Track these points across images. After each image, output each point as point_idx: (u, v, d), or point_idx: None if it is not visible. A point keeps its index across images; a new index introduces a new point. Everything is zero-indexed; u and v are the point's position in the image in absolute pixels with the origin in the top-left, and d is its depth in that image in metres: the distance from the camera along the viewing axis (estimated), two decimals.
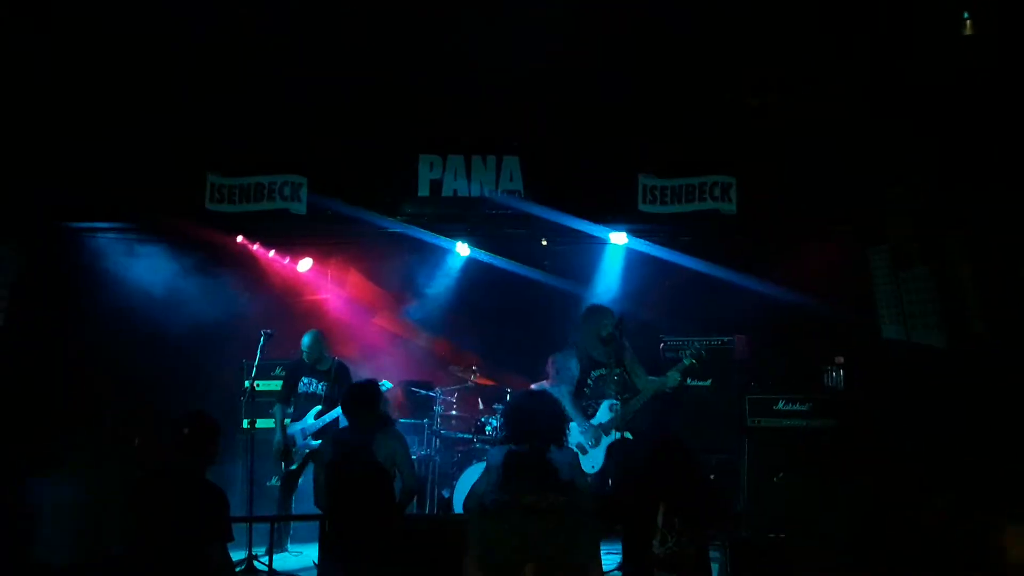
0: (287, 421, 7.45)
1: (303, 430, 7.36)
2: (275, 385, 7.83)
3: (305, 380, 7.53)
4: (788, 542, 5.00)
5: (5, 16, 6.78)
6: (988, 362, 6.51)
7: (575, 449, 6.85)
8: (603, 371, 6.85)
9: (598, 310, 7.11)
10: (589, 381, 6.89)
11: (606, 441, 6.79)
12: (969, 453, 5.98)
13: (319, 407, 7.38)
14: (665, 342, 7.87)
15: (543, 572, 4.05)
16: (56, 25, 6.96)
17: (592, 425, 6.81)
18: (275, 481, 7.76)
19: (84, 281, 8.00)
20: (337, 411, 7.02)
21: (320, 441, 6.78)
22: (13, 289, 7.51)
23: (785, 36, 7.06)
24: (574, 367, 6.92)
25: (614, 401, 6.74)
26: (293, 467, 7.35)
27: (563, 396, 6.92)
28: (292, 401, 7.56)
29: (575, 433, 6.89)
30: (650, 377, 6.87)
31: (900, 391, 6.84)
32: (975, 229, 6.89)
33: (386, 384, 6.98)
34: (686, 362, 6.87)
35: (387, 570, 4.93)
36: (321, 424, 7.30)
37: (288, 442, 7.34)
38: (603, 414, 6.83)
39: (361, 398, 5.48)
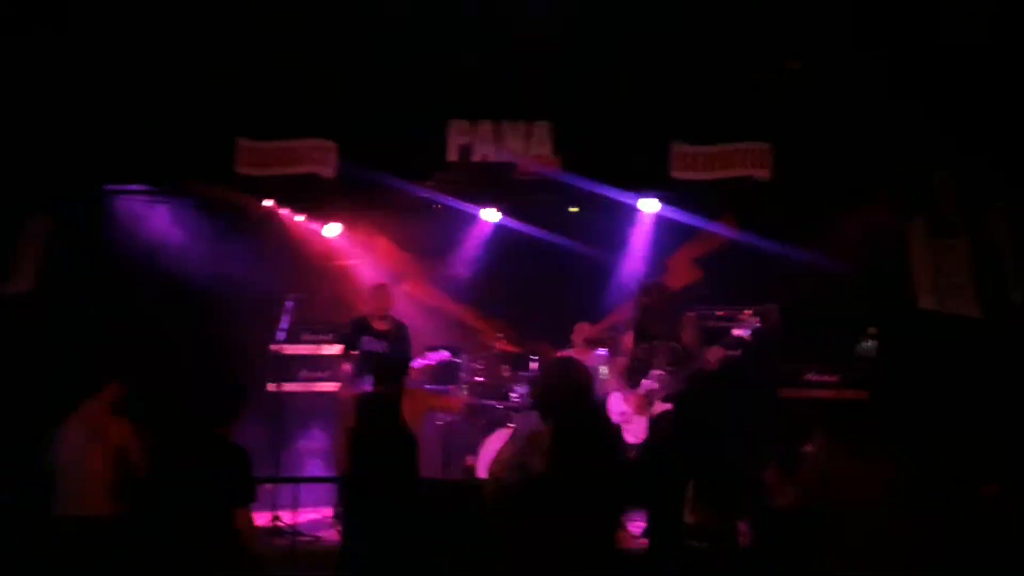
0: None
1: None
2: (303, 349, 7.84)
3: (366, 339, 7.35)
4: (818, 513, 4.93)
5: None
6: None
7: (619, 419, 6.83)
8: (655, 342, 6.79)
9: (650, 283, 7.07)
10: (639, 352, 6.84)
11: (651, 413, 6.73)
12: (1004, 425, 5.87)
13: None
14: (694, 310, 7.78)
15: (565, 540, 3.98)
16: None
17: (637, 395, 6.76)
18: None
19: (114, 244, 8.04)
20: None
21: None
22: (45, 251, 7.57)
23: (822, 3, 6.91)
24: (627, 339, 6.89)
25: (661, 372, 6.69)
26: None
27: (611, 366, 6.92)
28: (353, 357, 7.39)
29: (619, 403, 6.86)
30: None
31: (934, 362, 6.73)
32: (1016, 199, 6.75)
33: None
34: None
35: (410, 535, 4.93)
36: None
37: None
38: (650, 384, 6.76)
39: (391, 362, 5.45)
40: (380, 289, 7.54)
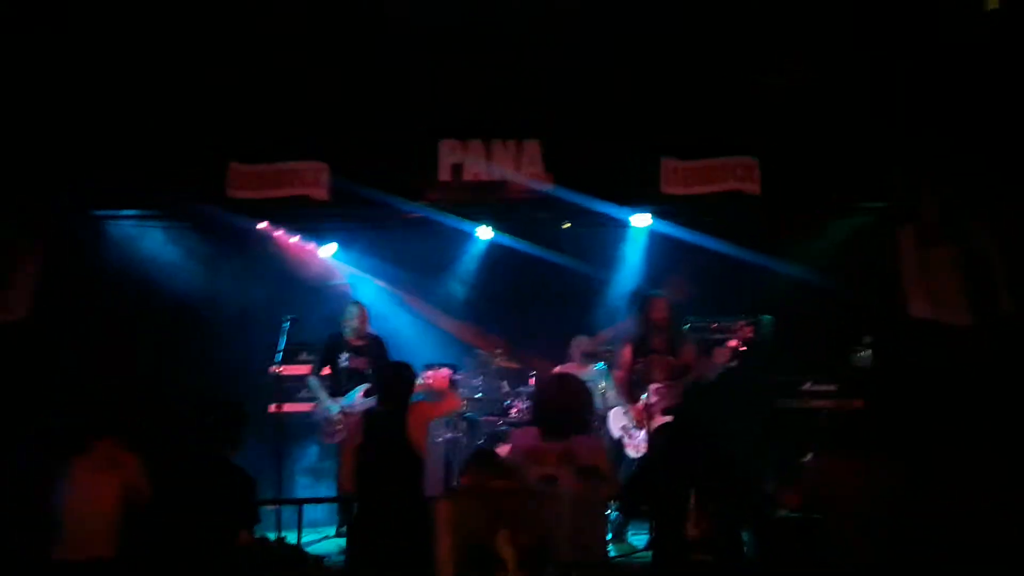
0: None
1: (352, 406, 7.26)
2: (300, 369, 7.85)
3: (344, 355, 7.49)
4: (818, 523, 4.98)
5: (26, 6, 6.80)
6: (1016, 339, 6.46)
7: (621, 433, 6.88)
8: (653, 356, 6.85)
9: (649, 296, 7.14)
10: (638, 366, 6.89)
11: (651, 426, 6.78)
12: (998, 431, 5.94)
13: (366, 384, 7.33)
14: (691, 323, 7.85)
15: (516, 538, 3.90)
16: (76, 13, 6.97)
17: (637, 409, 6.79)
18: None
19: (108, 269, 8.01)
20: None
21: None
22: (38, 279, 7.55)
23: (808, 13, 7.00)
24: (625, 352, 6.95)
25: (660, 386, 6.74)
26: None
27: (611, 379, 6.97)
28: (326, 375, 7.54)
29: (619, 417, 6.91)
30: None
31: (928, 370, 6.80)
32: (1002, 206, 6.84)
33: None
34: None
35: (417, 553, 4.95)
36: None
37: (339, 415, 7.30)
38: (649, 398, 6.81)
39: (395, 380, 5.47)
40: (359, 308, 7.64)
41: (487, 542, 3.17)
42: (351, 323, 7.57)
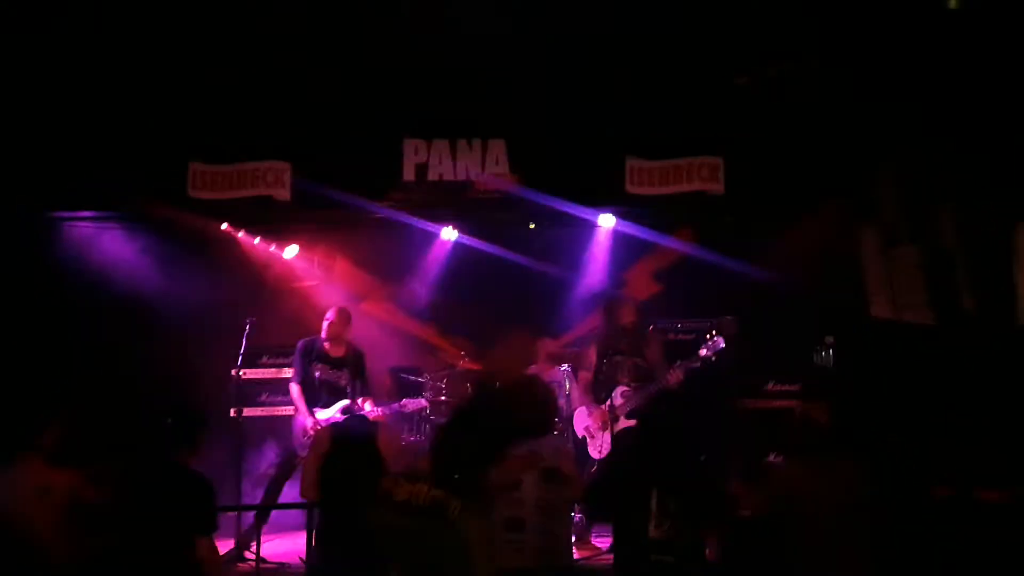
0: None
1: (330, 421, 6.91)
2: (261, 373, 7.75)
3: (321, 367, 7.12)
4: (782, 524, 4.98)
5: None
6: (978, 338, 6.51)
7: (584, 434, 6.85)
8: (619, 357, 6.83)
9: (616, 298, 7.14)
10: (603, 367, 6.87)
11: (615, 428, 6.75)
12: (961, 430, 5.98)
13: (346, 401, 7.07)
14: (654, 324, 7.83)
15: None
16: (35, 13, 6.86)
17: (601, 410, 6.77)
18: None
19: (67, 271, 7.90)
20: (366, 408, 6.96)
21: None
22: None
23: (769, 14, 7.03)
24: (591, 353, 6.95)
25: (625, 388, 6.72)
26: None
27: (575, 381, 6.95)
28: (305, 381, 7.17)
29: (584, 417, 6.89)
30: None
31: (890, 369, 6.84)
32: (963, 204, 6.89)
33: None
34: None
35: (380, 561, 4.88)
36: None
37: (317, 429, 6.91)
38: (614, 400, 6.79)
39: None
40: (342, 313, 7.27)
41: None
42: (331, 328, 7.15)
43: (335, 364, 7.14)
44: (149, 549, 4.32)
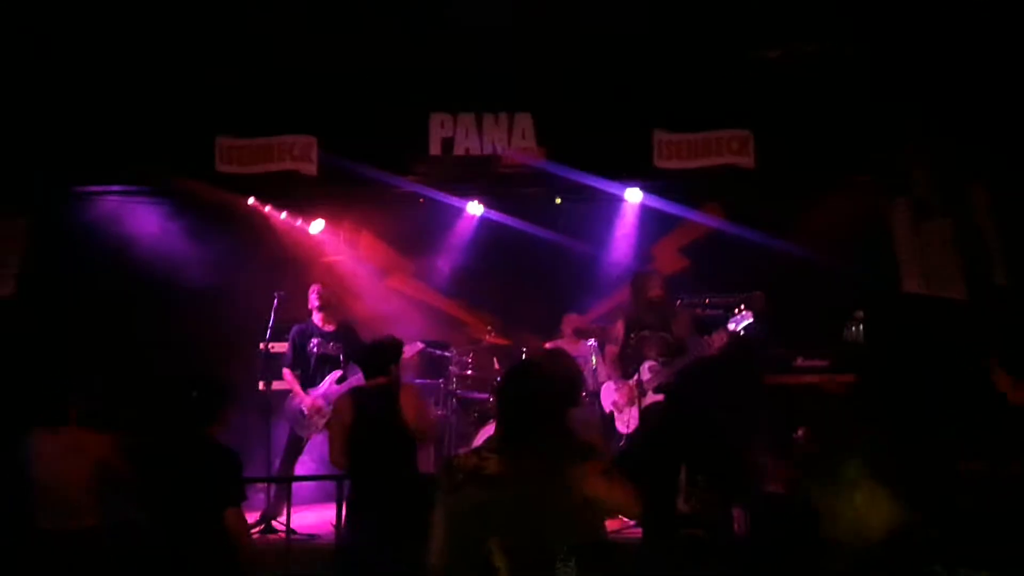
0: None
1: (326, 395, 7.11)
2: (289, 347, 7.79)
3: (315, 341, 7.32)
4: (810, 498, 4.96)
5: None
6: (1010, 313, 6.42)
7: (611, 408, 6.84)
8: (646, 332, 6.80)
9: (644, 273, 7.10)
10: (630, 342, 6.84)
11: (642, 402, 6.73)
12: (992, 405, 5.91)
13: (338, 371, 7.24)
14: (681, 299, 7.79)
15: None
16: None
17: (628, 385, 6.75)
18: None
19: (95, 246, 7.94)
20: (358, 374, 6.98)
21: None
22: (24, 255, 7.48)
23: None
24: (619, 328, 6.92)
25: (653, 363, 6.70)
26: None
27: (602, 356, 6.92)
28: (300, 363, 7.37)
29: (611, 392, 6.87)
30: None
31: (921, 344, 6.77)
32: (997, 179, 6.78)
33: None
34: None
35: (412, 531, 4.90)
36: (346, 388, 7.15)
37: (314, 406, 7.14)
38: (642, 375, 6.76)
39: (381, 355, 5.39)
40: (323, 291, 7.46)
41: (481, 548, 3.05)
42: (323, 303, 7.38)
43: (328, 338, 7.36)
44: (177, 520, 4.35)
